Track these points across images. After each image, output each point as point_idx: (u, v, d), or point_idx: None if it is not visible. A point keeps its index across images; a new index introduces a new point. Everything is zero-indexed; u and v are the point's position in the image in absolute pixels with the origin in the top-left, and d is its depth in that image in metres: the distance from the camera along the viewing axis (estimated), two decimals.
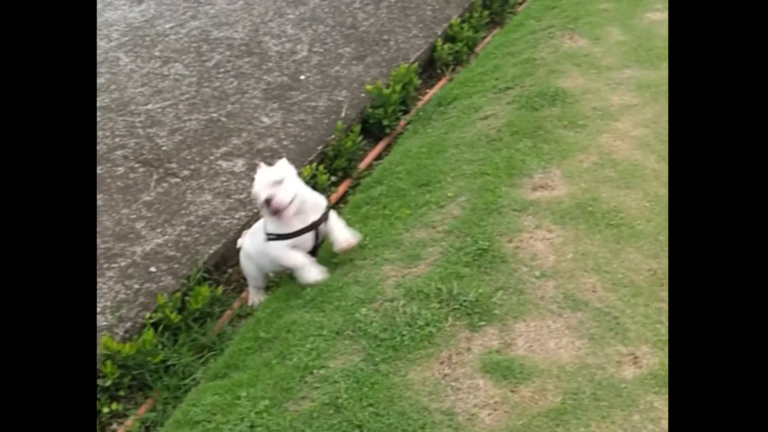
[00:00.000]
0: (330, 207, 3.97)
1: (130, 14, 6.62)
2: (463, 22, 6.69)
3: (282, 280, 4.29)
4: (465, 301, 3.46)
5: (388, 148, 5.53)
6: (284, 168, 3.81)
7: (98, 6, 6.71)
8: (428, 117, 5.51)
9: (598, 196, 4.12)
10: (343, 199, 5.09)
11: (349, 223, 4.38)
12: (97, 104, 5.49)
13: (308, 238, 3.88)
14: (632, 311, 3.45)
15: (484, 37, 6.84)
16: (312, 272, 3.85)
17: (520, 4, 7.45)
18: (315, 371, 3.25)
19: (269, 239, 3.87)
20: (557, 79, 5.27)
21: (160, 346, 3.91)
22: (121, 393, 3.79)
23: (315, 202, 3.90)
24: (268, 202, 3.70)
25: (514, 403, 3.03)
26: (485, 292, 3.51)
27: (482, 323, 3.37)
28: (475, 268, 3.66)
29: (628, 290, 3.56)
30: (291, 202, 3.73)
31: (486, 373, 3.15)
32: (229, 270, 4.49)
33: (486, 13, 6.91)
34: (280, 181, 3.71)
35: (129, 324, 3.91)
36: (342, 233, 3.91)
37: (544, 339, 3.32)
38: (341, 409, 3.02)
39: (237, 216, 4.62)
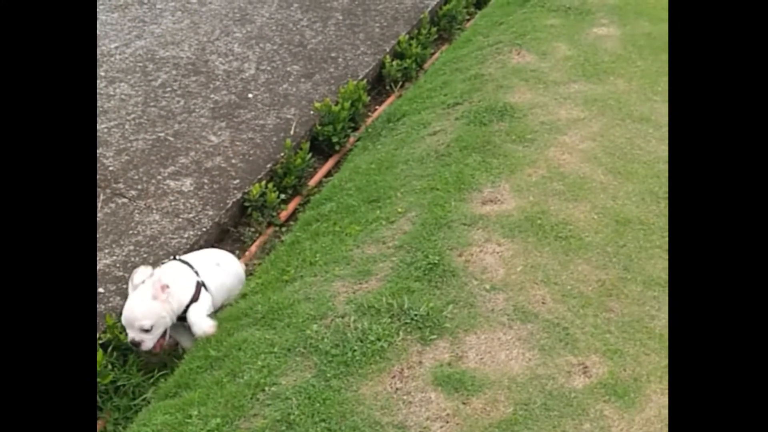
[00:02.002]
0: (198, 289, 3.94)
1: None
2: (411, 38, 6.72)
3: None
4: (416, 315, 3.46)
5: (337, 165, 5.52)
6: (153, 310, 3.72)
7: None
8: (377, 133, 5.51)
9: (546, 209, 4.15)
10: (293, 216, 5.08)
11: (299, 240, 4.37)
12: None
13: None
14: (582, 322, 3.48)
15: (432, 54, 6.88)
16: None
17: (468, 20, 7.52)
18: (266, 388, 3.21)
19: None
20: (505, 94, 5.31)
21: (109, 367, 3.84)
22: None
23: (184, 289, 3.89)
24: (134, 343, 3.75)
25: (465, 415, 3.04)
26: (436, 305, 3.51)
27: (433, 337, 3.38)
28: (426, 283, 3.66)
29: (577, 301, 3.60)
30: (151, 344, 3.78)
31: (438, 386, 3.15)
32: None
33: (434, 29, 6.96)
34: (148, 329, 3.72)
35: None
36: (199, 327, 3.84)
37: (495, 351, 3.33)
38: (293, 425, 3.00)
39: (186, 235, 4.57)
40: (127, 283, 4.10)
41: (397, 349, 3.31)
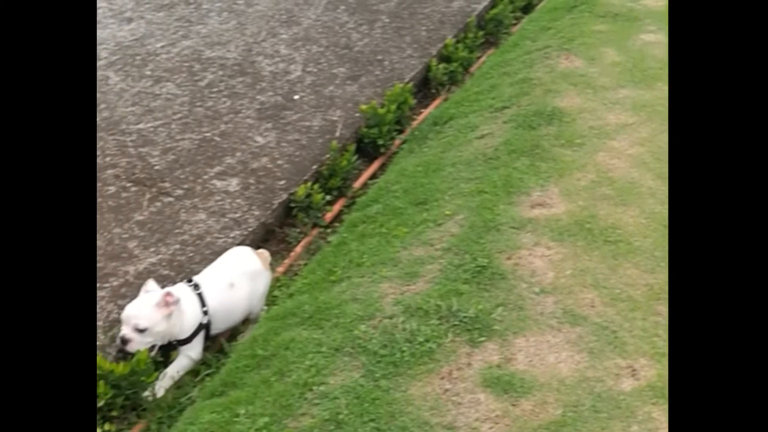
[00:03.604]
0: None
1: (119, 33, 6.60)
2: (458, 42, 6.70)
3: (276, 298, 4.26)
4: (465, 317, 3.43)
5: (383, 168, 5.51)
6: (153, 316, 3.75)
7: None
8: (424, 136, 5.50)
9: (595, 213, 4.11)
10: (337, 218, 5.07)
11: (346, 242, 4.36)
12: None
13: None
14: (630, 325, 3.46)
15: (479, 57, 6.86)
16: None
17: (514, 25, 7.48)
18: (315, 388, 3.21)
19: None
20: (554, 98, 5.27)
21: (154, 366, 3.85)
22: (114, 413, 3.72)
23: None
24: (123, 340, 3.74)
25: (515, 416, 3.01)
26: (485, 308, 3.49)
27: (482, 339, 3.35)
28: (475, 285, 3.64)
29: (625, 305, 3.56)
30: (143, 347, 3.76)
31: (487, 388, 3.12)
32: None
33: (481, 33, 6.93)
34: (142, 330, 3.72)
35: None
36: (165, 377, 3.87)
37: (544, 353, 3.30)
38: (342, 425, 2.98)
39: (232, 235, 4.58)
40: (172, 283, 4.12)
41: (446, 351, 3.29)
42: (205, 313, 3.91)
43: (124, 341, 3.73)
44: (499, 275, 3.69)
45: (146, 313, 3.72)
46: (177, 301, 3.78)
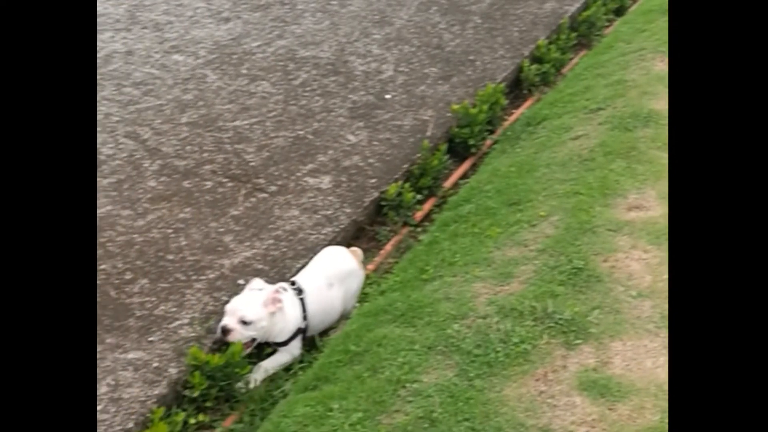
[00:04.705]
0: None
1: (216, 32, 6.71)
2: (550, 43, 6.63)
3: (368, 295, 4.28)
4: (560, 319, 3.40)
5: (473, 168, 5.49)
6: (259, 311, 3.81)
7: (185, 24, 6.81)
8: (516, 137, 5.46)
9: None
10: (427, 217, 5.06)
11: (438, 241, 4.36)
12: (185, 120, 5.56)
13: None
14: None
15: (571, 59, 6.78)
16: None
17: (607, 27, 7.37)
18: (408, 385, 3.21)
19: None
20: (650, 100, 5.18)
21: (247, 358, 3.90)
22: (208, 404, 3.79)
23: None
24: (224, 330, 3.80)
25: (611, 420, 2.97)
26: (581, 310, 3.45)
27: (578, 341, 3.31)
28: (570, 287, 3.60)
29: None
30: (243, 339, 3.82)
31: (583, 391, 3.09)
32: None
33: (573, 35, 6.86)
34: (247, 323, 3.79)
35: (217, 335, 3.92)
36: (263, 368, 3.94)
37: (641, 358, 3.25)
38: (436, 423, 2.98)
39: (324, 232, 4.61)
40: (266, 277, 4.18)
41: (541, 353, 3.26)
42: (305, 317, 3.96)
43: (225, 331, 3.80)
44: (595, 278, 3.64)
45: (253, 308, 3.80)
46: (282, 302, 3.85)
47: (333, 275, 4.11)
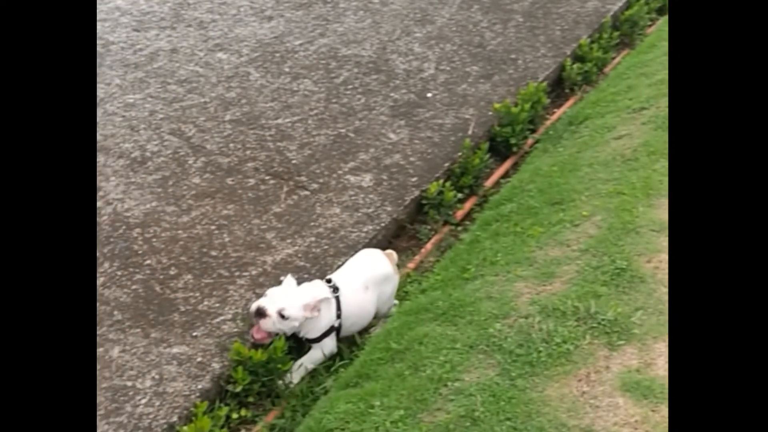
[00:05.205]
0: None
1: (260, 31, 6.75)
2: (592, 42, 6.60)
3: (408, 294, 4.29)
4: (603, 319, 3.38)
5: (515, 167, 5.48)
6: (298, 312, 3.82)
7: (228, 22, 6.86)
8: (558, 136, 5.44)
9: None
10: (468, 216, 5.06)
11: (479, 240, 4.36)
12: (229, 117, 5.61)
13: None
14: None
15: (613, 58, 6.73)
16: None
17: (650, 26, 7.31)
18: (449, 384, 3.22)
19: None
20: None
21: (290, 354, 3.94)
22: (250, 399, 3.83)
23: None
24: (259, 311, 3.80)
25: (654, 422, 2.95)
26: (624, 311, 3.43)
27: (621, 342, 3.29)
28: (613, 288, 3.58)
29: None
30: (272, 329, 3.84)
31: (626, 392, 3.07)
32: None
33: (616, 34, 6.81)
34: (285, 317, 3.79)
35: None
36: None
37: None
38: (478, 422, 2.98)
39: (365, 230, 4.63)
40: (308, 274, 4.20)
41: (584, 353, 3.25)
42: (339, 316, 3.97)
43: (261, 313, 3.79)
44: (639, 278, 3.62)
45: (295, 306, 3.80)
46: (319, 310, 3.87)
47: (370, 278, 4.10)
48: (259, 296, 4.07)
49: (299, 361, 3.94)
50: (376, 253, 4.27)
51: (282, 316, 3.78)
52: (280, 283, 4.09)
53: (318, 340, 3.95)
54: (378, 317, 4.21)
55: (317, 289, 3.95)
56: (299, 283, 4.02)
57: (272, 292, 3.87)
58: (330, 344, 4.00)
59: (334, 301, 3.96)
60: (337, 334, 4.02)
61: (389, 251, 4.33)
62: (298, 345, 4.01)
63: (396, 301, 4.26)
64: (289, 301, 3.81)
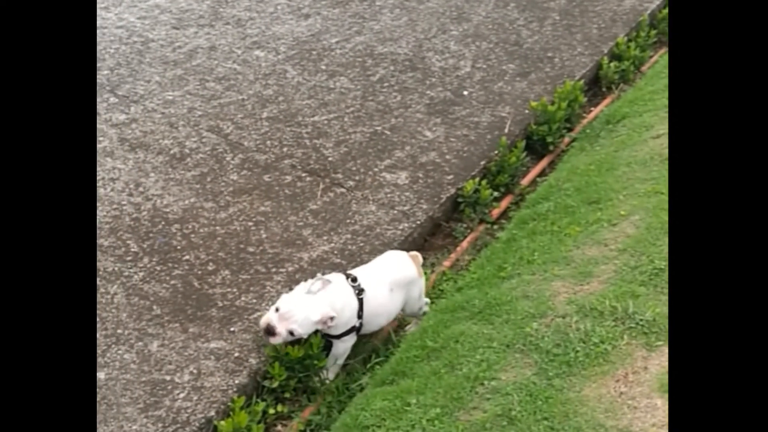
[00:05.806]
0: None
1: (296, 28, 6.78)
2: (629, 41, 6.56)
3: (444, 292, 4.29)
4: (641, 320, 3.37)
5: (551, 165, 5.46)
6: (309, 327, 3.74)
7: (266, 20, 6.91)
8: (596, 135, 5.41)
9: None
10: (504, 214, 5.05)
11: (516, 238, 4.36)
12: (266, 114, 5.64)
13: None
14: None
15: (651, 57, 6.68)
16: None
17: None
18: (486, 382, 3.22)
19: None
20: None
21: (325, 351, 3.95)
22: (287, 395, 3.85)
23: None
24: (269, 330, 3.69)
25: None
26: (662, 312, 3.41)
27: (659, 343, 3.27)
28: (651, 288, 3.56)
29: None
30: (279, 341, 3.74)
31: (664, 393, 3.05)
32: None
33: (653, 32, 6.76)
34: (295, 336, 3.70)
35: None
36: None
37: None
38: (515, 421, 2.99)
39: (400, 227, 4.65)
40: (343, 270, 4.21)
41: (622, 353, 3.24)
42: (360, 316, 3.91)
43: (270, 332, 3.69)
44: None
45: (305, 325, 3.70)
46: (333, 319, 3.76)
47: (395, 281, 4.01)
48: None
49: (330, 358, 3.94)
50: (401, 255, 4.18)
51: (290, 333, 3.69)
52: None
53: (339, 336, 3.93)
54: (411, 315, 4.20)
55: (330, 298, 3.79)
56: (324, 274, 3.96)
57: (283, 303, 3.72)
58: (350, 340, 3.97)
59: (357, 303, 3.87)
60: (357, 332, 4.00)
61: (414, 253, 4.22)
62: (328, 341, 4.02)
63: (427, 300, 4.24)
64: (300, 320, 3.67)
